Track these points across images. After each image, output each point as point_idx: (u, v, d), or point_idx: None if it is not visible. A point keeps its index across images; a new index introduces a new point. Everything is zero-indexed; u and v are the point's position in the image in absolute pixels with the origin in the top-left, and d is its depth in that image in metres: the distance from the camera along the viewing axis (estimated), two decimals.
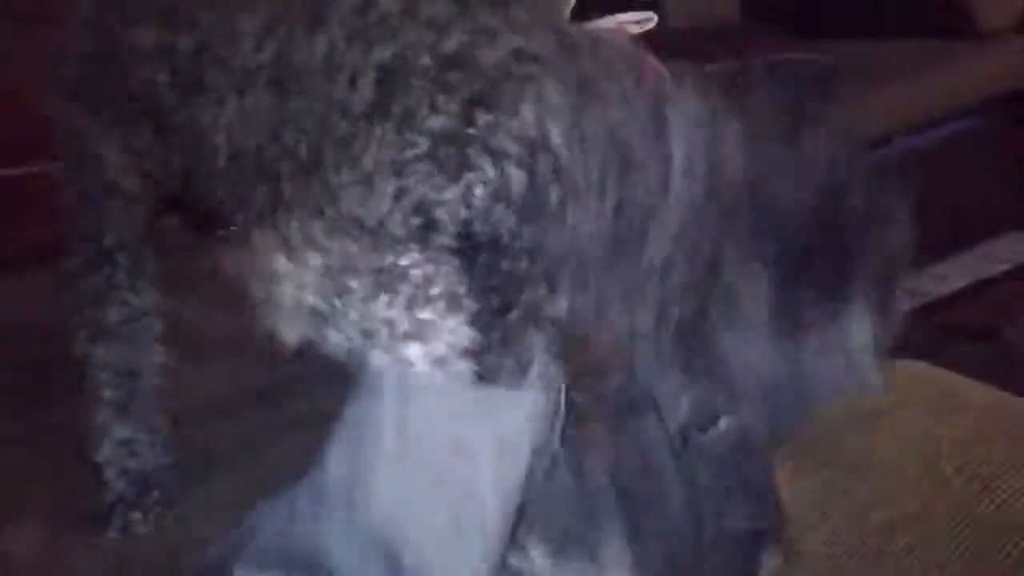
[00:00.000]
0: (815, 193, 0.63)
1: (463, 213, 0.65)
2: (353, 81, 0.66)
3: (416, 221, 0.65)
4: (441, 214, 0.65)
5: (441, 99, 0.64)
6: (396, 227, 0.65)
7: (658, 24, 2.78)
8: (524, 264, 0.65)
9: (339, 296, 0.65)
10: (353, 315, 0.64)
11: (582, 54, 0.67)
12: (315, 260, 0.65)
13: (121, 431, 0.89)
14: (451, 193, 0.64)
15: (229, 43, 0.72)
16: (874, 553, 0.81)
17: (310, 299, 0.65)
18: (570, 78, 0.65)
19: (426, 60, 0.65)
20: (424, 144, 0.64)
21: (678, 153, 0.63)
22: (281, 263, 0.65)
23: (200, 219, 0.89)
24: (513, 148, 0.64)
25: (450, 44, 0.66)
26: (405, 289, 0.64)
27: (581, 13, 2.42)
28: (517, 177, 0.64)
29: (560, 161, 0.64)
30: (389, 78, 0.66)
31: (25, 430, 0.99)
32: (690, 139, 0.64)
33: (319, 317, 0.65)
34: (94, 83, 0.84)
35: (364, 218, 0.65)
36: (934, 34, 2.53)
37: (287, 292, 0.65)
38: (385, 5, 0.68)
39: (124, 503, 0.88)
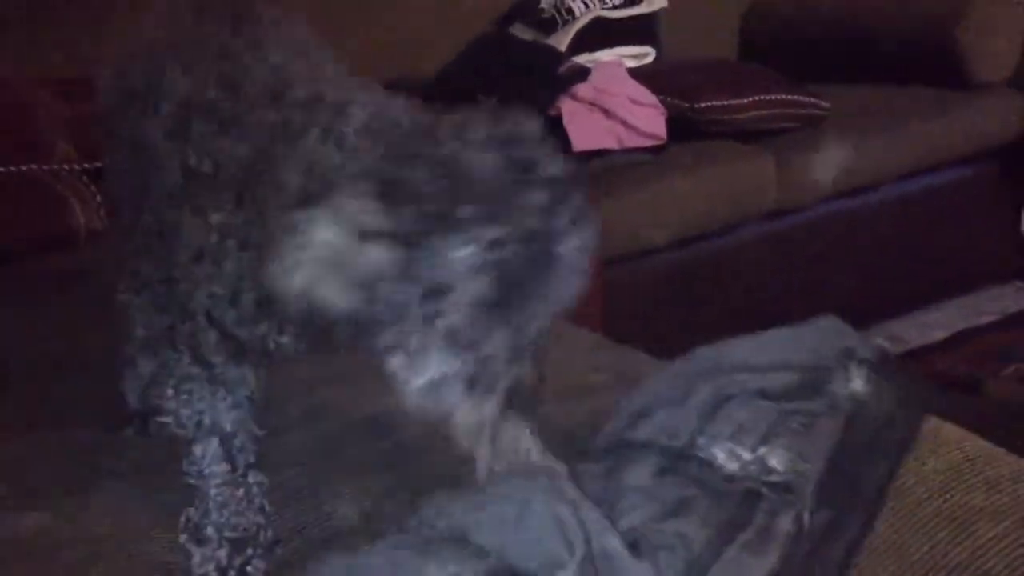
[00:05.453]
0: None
1: None
2: None
3: None
4: None
5: None
6: None
7: (654, 61, 2.79)
8: None
9: None
10: None
11: None
12: None
13: (144, 364, 1.12)
14: None
15: None
16: None
17: None
18: None
19: None
20: None
21: None
22: None
23: None
24: None
25: None
26: None
27: (581, 47, 2.44)
28: None
29: None
30: None
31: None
32: None
33: None
34: None
35: None
36: (927, 84, 2.56)
37: None
38: None
39: (140, 414, 1.14)
